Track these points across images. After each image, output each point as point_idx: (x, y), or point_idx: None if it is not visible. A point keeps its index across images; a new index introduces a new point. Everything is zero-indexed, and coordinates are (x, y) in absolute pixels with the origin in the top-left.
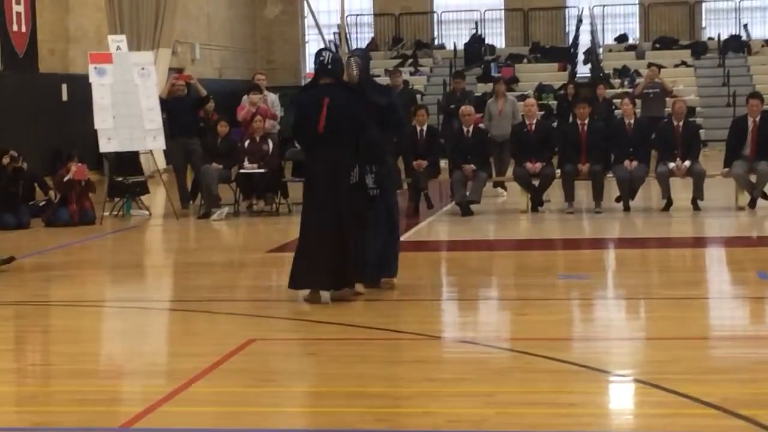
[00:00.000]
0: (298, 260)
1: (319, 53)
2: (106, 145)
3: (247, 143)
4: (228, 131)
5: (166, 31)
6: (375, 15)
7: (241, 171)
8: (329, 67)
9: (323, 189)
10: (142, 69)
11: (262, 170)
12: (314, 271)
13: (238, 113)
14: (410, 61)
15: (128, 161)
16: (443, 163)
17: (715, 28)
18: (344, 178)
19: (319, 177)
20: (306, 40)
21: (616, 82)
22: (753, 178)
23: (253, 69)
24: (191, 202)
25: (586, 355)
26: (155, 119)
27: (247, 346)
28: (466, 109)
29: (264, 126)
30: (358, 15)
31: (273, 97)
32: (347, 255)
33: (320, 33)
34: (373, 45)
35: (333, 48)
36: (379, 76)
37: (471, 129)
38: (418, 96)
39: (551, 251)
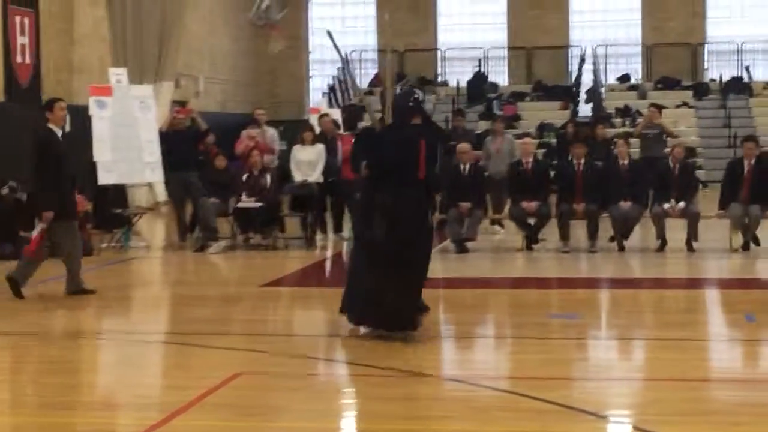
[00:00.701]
0: (362, 296)
1: (411, 92)
2: (105, 177)
3: (245, 177)
4: (226, 165)
5: (169, 63)
6: (379, 51)
7: (239, 205)
8: (421, 105)
9: (410, 229)
10: (142, 102)
11: (259, 204)
12: (383, 311)
13: (236, 147)
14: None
15: (115, 193)
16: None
17: (717, 69)
18: (426, 219)
19: (407, 217)
20: (310, 74)
21: (618, 121)
22: (747, 221)
23: (256, 103)
24: (190, 234)
25: (572, 395)
26: (154, 152)
27: (233, 380)
28: (463, 146)
29: (262, 160)
30: (362, 50)
31: (272, 132)
32: (417, 296)
33: (343, 65)
34: (377, 81)
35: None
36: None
37: (468, 166)
38: None
39: (545, 290)
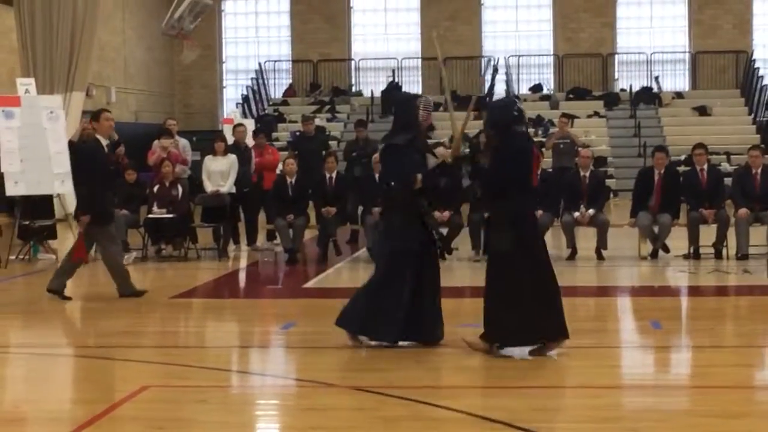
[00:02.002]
0: (511, 317)
1: (513, 102)
2: (13, 189)
3: (156, 188)
4: (136, 177)
5: (80, 73)
6: (293, 61)
7: (150, 216)
8: (523, 115)
9: (539, 244)
10: (51, 112)
11: (170, 215)
12: (529, 329)
13: (148, 158)
14: (327, 107)
15: (40, 204)
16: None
17: (627, 80)
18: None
19: (534, 232)
20: (224, 84)
21: (531, 131)
22: (657, 229)
23: (169, 113)
24: None
25: (480, 403)
26: (63, 163)
27: (140, 393)
28: (378, 156)
29: (174, 171)
30: (276, 61)
31: (184, 142)
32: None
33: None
34: (291, 91)
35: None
36: (296, 122)
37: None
38: (334, 143)
39: (458, 299)
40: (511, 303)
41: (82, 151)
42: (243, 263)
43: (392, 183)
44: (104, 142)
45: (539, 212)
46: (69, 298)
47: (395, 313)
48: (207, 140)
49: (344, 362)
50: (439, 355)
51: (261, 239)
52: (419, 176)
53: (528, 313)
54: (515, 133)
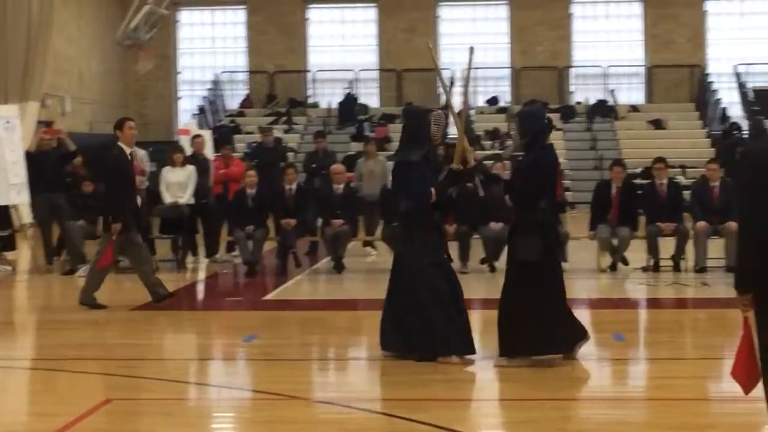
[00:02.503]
0: (564, 321)
1: (541, 113)
2: None
3: None
4: (93, 188)
5: (35, 83)
6: (249, 72)
7: None
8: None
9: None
10: (7, 122)
11: None
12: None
13: None
14: (284, 118)
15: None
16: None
17: (584, 92)
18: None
19: (558, 242)
20: (179, 95)
21: (487, 143)
22: (616, 242)
23: None
24: (57, 257)
25: (445, 415)
26: (20, 173)
27: (104, 406)
28: (337, 167)
29: None
30: (232, 72)
31: (142, 153)
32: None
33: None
34: (247, 102)
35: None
36: (252, 133)
37: (341, 187)
38: (291, 154)
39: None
40: (539, 311)
41: (110, 161)
42: (201, 275)
43: (405, 199)
44: (128, 150)
45: (499, 224)
46: (104, 306)
47: (459, 326)
48: (162, 151)
49: (307, 375)
50: (403, 367)
51: (221, 251)
52: (433, 190)
53: (553, 320)
54: (545, 143)
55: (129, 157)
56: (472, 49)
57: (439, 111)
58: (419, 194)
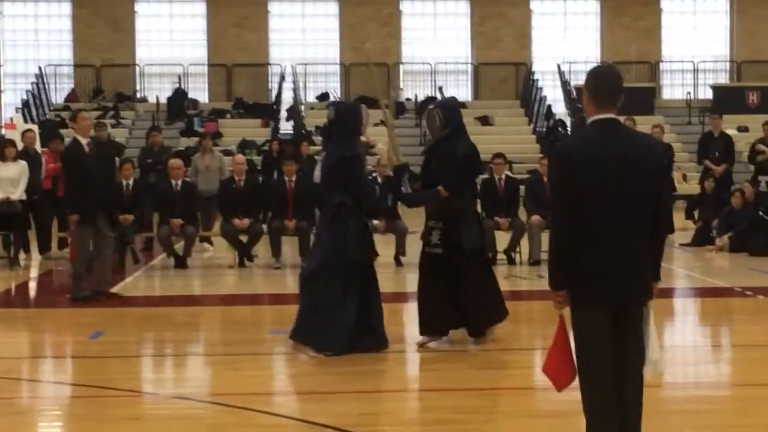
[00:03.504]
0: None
1: (458, 104)
2: None
3: None
4: None
5: None
6: (75, 66)
7: None
8: None
9: None
10: None
11: None
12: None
13: None
14: (111, 113)
15: None
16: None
17: (413, 89)
18: None
19: None
20: (2, 89)
21: (318, 139)
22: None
23: None
24: None
25: (298, 408)
26: None
27: None
28: (175, 162)
29: None
30: (57, 65)
31: None
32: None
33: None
34: (73, 96)
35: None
36: None
37: (179, 183)
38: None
39: (259, 306)
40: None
41: (67, 154)
42: (35, 272)
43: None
44: (83, 141)
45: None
46: (115, 295)
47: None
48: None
49: (164, 371)
50: (252, 362)
51: (53, 247)
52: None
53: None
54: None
55: (86, 148)
56: (441, 89)
57: (364, 105)
58: (369, 190)
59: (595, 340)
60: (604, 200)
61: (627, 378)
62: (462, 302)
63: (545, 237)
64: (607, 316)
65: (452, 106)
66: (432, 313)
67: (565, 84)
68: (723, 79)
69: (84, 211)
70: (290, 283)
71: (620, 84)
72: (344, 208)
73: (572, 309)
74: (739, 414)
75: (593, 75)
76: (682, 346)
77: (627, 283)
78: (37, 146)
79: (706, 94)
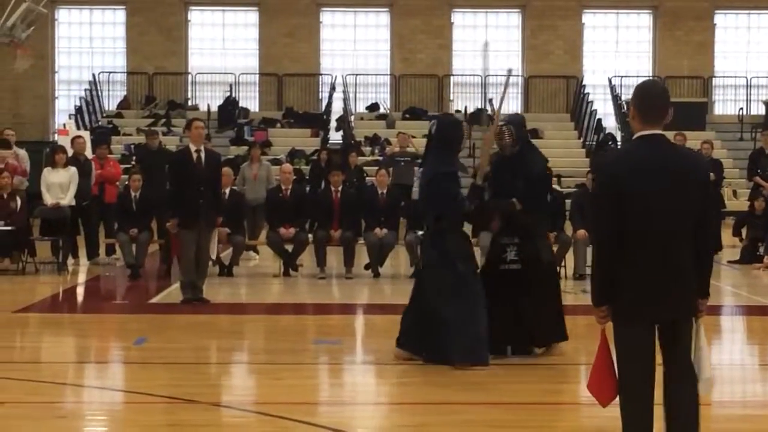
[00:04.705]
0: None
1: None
2: None
3: None
4: None
5: None
6: (128, 73)
7: None
8: None
9: None
10: None
11: (8, 227)
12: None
13: None
14: (163, 120)
15: None
16: None
17: (462, 101)
18: None
19: None
20: (56, 95)
21: (367, 149)
22: None
23: (1, 123)
24: None
25: (338, 419)
26: None
27: None
28: (225, 171)
29: (12, 183)
30: (110, 72)
31: (22, 153)
32: None
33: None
34: (125, 103)
35: None
36: (130, 134)
37: (227, 192)
38: None
39: (303, 315)
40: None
41: (174, 161)
42: (83, 278)
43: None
44: (193, 148)
45: (383, 231)
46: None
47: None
48: (37, 151)
49: (206, 378)
50: (294, 371)
51: (101, 254)
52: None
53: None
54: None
55: (194, 155)
56: (510, 71)
57: (466, 123)
58: (460, 205)
59: (635, 357)
60: (648, 214)
61: (674, 395)
62: (529, 318)
63: (590, 251)
64: (649, 332)
65: (521, 123)
66: (498, 332)
67: (615, 98)
68: None
69: (185, 217)
70: (335, 293)
71: (666, 100)
72: (443, 223)
73: (614, 324)
74: None
75: (639, 91)
76: (730, 364)
77: (670, 298)
78: (88, 153)
79: (759, 110)
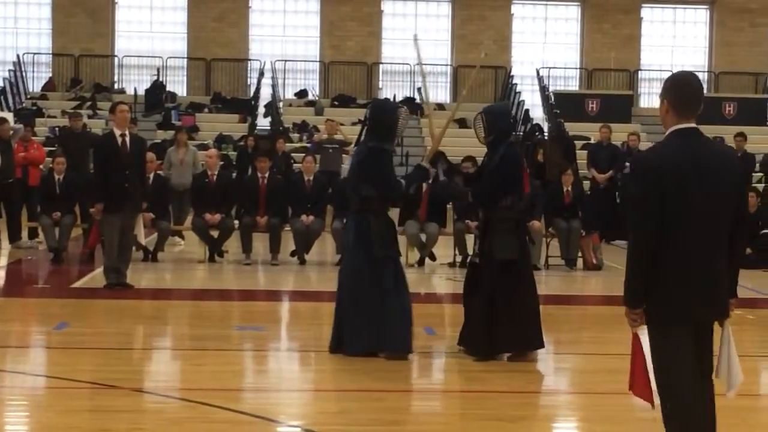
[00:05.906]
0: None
1: (507, 110)
2: None
3: None
4: None
5: None
6: (53, 55)
7: None
8: None
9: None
10: None
11: None
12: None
13: None
14: (89, 104)
15: None
16: None
17: (391, 89)
18: None
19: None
20: None
21: (295, 136)
22: (424, 238)
23: None
24: None
25: (260, 405)
26: None
27: None
28: (149, 156)
29: None
30: (35, 53)
31: None
32: None
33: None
34: (50, 86)
35: None
36: (55, 117)
37: (151, 176)
38: None
39: (228, 302)
40: (521, 309)
41: (100, 144)
42: (4, 261)
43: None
44: (118, 132)
45: (310, 217)
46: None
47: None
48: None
49: (127, 364)
50: (216, 357)
51: (24, 237)
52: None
53: (531, 319)
54: (510, 141)
55: (119, 139)
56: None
57: (405, 108)
58: (395, 183)
59: (683, 358)
60: (686, 213)
61: (712, 397)
62: (478, 318)
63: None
64: (689, 333)
65: (497, 112)
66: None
67: (543, 89)
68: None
69: (110, 201)
70: (260, 280)
71: (702, 92)
72: (369, 203)
73: (653, 327)
74: None
75: (674, 83)
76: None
77: (709, 298)
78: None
79: None
